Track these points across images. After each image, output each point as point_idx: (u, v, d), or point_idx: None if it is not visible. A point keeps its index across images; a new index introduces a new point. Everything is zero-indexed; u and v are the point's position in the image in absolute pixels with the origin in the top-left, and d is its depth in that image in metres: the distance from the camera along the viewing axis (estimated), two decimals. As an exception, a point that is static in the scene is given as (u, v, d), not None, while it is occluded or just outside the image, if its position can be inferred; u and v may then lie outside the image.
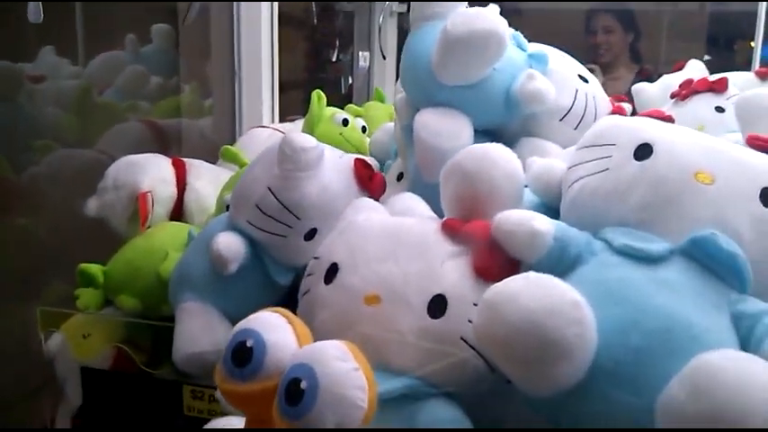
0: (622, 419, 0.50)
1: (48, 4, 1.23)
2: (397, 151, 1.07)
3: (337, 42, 2.36)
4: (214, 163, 1.28)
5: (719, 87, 1.17)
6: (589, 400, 0.51)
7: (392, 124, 1.29)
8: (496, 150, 0.63)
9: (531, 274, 0.51)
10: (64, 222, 1.25)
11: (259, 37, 1.49)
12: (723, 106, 1.14)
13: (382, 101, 1.65)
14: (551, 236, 0.57)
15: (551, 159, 0.71)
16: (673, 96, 1.22)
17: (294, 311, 0.89)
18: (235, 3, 1.47)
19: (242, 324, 0.50)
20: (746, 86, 1.21)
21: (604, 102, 0.97)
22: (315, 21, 2.14)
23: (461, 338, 0.57)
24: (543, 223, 0.57)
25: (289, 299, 0.91)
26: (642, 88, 1.43)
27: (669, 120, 0.76)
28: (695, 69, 1.51)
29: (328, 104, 1.31)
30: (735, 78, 1.21)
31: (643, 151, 0.60)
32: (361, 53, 2.47)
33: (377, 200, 0.90)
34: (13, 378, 1.12)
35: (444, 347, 0.56)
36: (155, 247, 0.94)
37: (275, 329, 0.50)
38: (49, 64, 1.48)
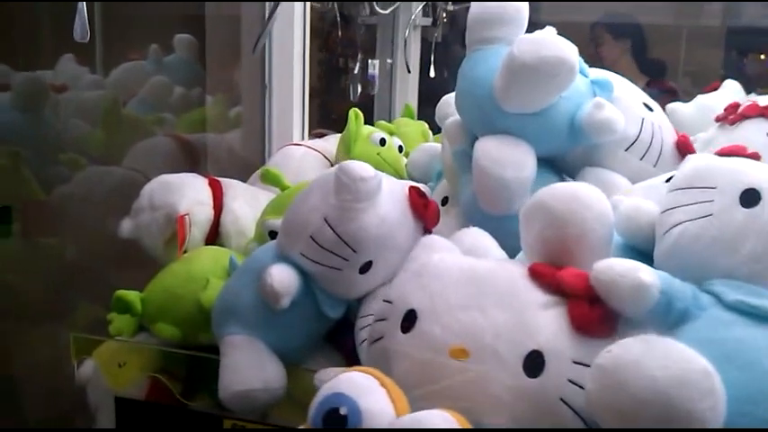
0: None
1: (62, 9, 1.19)
2: (445, 176, 1.03)
3: (346, 51, 2.33)
4: (243, 179, 1.24)
5: (771, 113, 1.14)
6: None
7: (430, 145, 1.26)
8: (587, 191, 0.58)
9: (652, 337, 0.47)
10: (94, 243, 1.20)
11: (291, 45, 1.45)
12: (776, 133, 1.10)
13: (412, 117, 1.61)
14: (657, 288, 0.53)
15: (640, 199, 0.67)
16: (718, 120, 1.18)
17: (342, 344, 0.87)
18: (266, 10, 1.42)
19: (332, 386, 0.46)
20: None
21: (669, 131, 0.93)
22: (339, 32, 2.10)
23: (561, 399, 0.52)
24: (649, 275, 0.53)
25: (336, 331, 0.87)
26: (676, 108, 1.40)
27: (756, 157, 0.72)
28: (732, 91, 1.48)
29: (338, 113, 1.28)
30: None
31: (749, 197, 0.56)
32: (370, 61, 2.44)
33: (431, 230, 0.87)
34: (42, 401, 1.08)
35: (542, 409, 0.52)
36: (194, 274, 0.90)
37: (369, 394, 0.45)
38: (68, 72, 1.44)
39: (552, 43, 0.76)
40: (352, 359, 0.85)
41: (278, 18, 1.38)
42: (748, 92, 1.48)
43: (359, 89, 2.43)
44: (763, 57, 3.05)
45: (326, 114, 2.52)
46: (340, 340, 0.88)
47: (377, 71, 2.34)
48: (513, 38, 0.83)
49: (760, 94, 1.65)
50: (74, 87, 1.43)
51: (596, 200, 0.58)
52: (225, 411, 0.83)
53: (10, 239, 1.15)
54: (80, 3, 0.86)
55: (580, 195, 0.58)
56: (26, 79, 1.25)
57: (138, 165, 1.33)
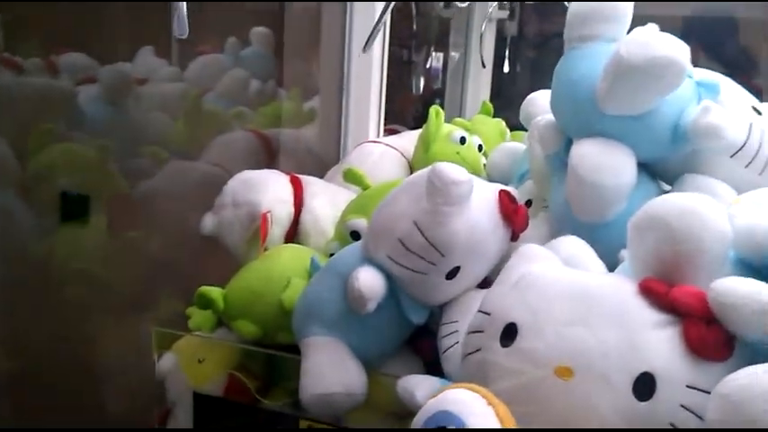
0: None
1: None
2: (533, 178, 0.99)
3: (416, 44, 2.30)
4: (318, 175, 1.23)
5: None
6: None
7: (511, 145, 1.22)
8: (707, 207, 0.54)
9: (784, 367, 0.43)
10: (177, 237, 1.22)
11: (372, 42, 1.43)
12: None
13: (489, 114, 1.57)
14: (783, 313, 0.49)
15: (759, 214, 0.62)
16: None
17: (422, 349, 0.86)
18: (348, 7, 1.41)
19: (438, 403, 0.44)
20: None
21: (779, 138, 0.87)
22: (414, 26, 2.07)
23: (671, 424, 0.49)
24: (774, 298, 0.49)
25: (416, 336, 0.85)
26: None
27: None
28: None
29: (402, 106, 1.25)
30: None
31: None
32: (434, 53, 2.40)
33: (518, 236, 0.84)
34: (122, 394, 1.10)
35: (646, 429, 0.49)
36: (275, 273, 0.89)
37: (478, 414, 0.43)
38: (148, 65, 1.45)
39: (662, 43, 0.72)
40: (431, 365, 0.83)
41: (359, 14, 1.36)
42: None
43: (422, 82, 2.40)
44: None
45: (390, 107, 2.50)
46: (418, 345, 0.87)
47: (440, 64, 2.31)
48: (614, 35, 0.79)
49: None
50: (153, 80, 1.45)
51: (716, 216, 0.54)
52: (301, 411, 0.83)
53: (93, 233, 1.17)
54: (181, 3, 0.87)
55: (699, 211, 0.54)
56: (112, 72, 1.27)
57: (218, 159, 1.34)
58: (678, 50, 0.72)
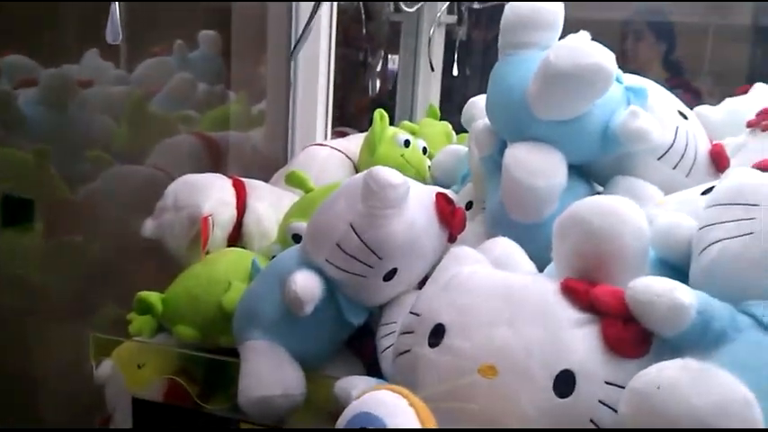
0: None
1: (87, 3, 1.18)
2: (472, 180, 1.01)
3: (367, 47, 2.32)
4: (265, 178, 1.23)
5: (806, 119, 1.10)
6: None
7: (455, 147, 1.24)
8: (625, 207, 0.56)
9: (690, 361, 0.45)
10: (118, 242, 1.20)
11: (318, 44, 1.43)
12: (811, 139, 1.07)
13: (436, 117, 1.59)
14: (695, 309, 0.51)
15: (676, 213, 0.65)
16: (750, 125, 1.15)
17: (362, 350, 0.86)
18: (293, 7, 1.41)
19: (360, 405, 0.45)
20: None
21: (703, 140, 0.90)
22: (364, 30, 2.08)
23: (590, 420, 0.51)
24: (687, 295, 0.51)
25: (356, 337, 0.86)
26: (705, 113, 1.36)
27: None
28: (763, 94, 1.45)
29: (357, 108, 1.26)
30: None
31: (794, 215, 0.54)
32: (390, 56, 2.42)
33: (455, 237, 0.85)
34: (61, 400, 1.08)
35: (572, 430, 0.50)
36: (217, 276, 0.89)
37: (398, 414, 0.44)
38: (94, 67, 1.43)
39: (590, 50, 0.74)
40: (372, 365, 0.84)
41: (305, 16, 1.37)
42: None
43: (378, 84, 2.42)
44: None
45: (344, 110, 2.51)
46: (359, 345, 0.87)
47: (396, 66, 2.33)
48: (547, 43, 0.81)
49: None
50: (99, 83, 1.43)
51: (635, 215, 0.56)
52: (241, 415, 0.83)
53: (34, 237, 1.15)
54: (113, 4, 0.86)
55: (618, 210, 0.56)
56: (52, 74, 1.25)
57: (163, 163, 1.33)
58: (605, 57, 0.74)
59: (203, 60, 1.67)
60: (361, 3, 2.05)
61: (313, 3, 1.02)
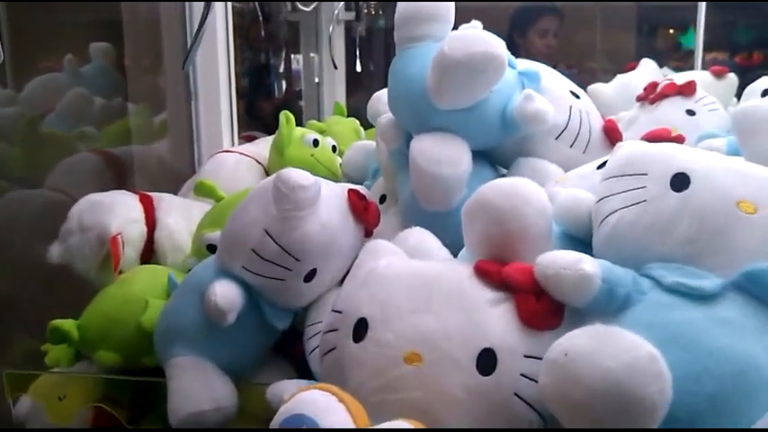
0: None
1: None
2: (382, 174, 1.03)
3: (269, 48, 2.30)
4: (174, 189, 1.20)
5: (688, 91, 1.18)
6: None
7: (364, 143, 1.25)
8: (526, 186, 0.59)
9: (599, 326, 0.48)
10: (22, 271, 1.15)
11: (215, 47, 1.41)
12: (693, 109, 1.15)
13: (343, 114, 1.60)
14: (599, 278, 0.54)
15: (576, 189, 0.68)
16: (639, 99, 1.22)
17: (291, 353, 0.86)
18: (186, 11, 1.38)
19: (291, 407, 0.45)
20: (704, 85, 1.23)
21: (596, 117, 0.95)
22: (262, 31, 2.06)
23: (515, 394, 0.53)
24: (591, 265, 0.54)
25: (284, 340, 0.86)
26: (598, 89, 1.44)
27: (680, 140, 0.75)
28: (649, 69, 1.53)
29: (264, 112, 1.26)
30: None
31: (680, 181, 0.58)
32: (293, 56, 2.41)
33: (371, 232, 0.86)
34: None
35: (498, 405, 0.53)
36: (132, 296, 0.87)
37: (329, 412, 0.45)
38: (-24, 90, 1.36)
39: (481, 39, 0.77)
40: (302, 367, 0.84)
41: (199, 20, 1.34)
42: (660, 66, 1.55)
43: (284, 86, 2.40)
44: (672, 31, 3.18)
45: (252, 114, 2.48)
46: (288, 349, 0.87)
47: (301, 66, 2.32)
48: (441, 34, 0.83)
49: (673, 68, 1.72)
50: (-14, 105, 1.36)
51: (536, 194, 0.59)
52: (175, 434, 0.81)
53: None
54: None
55: (520, 191, 0.59)
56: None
57: (63, 184, 1.28)
58: (496, 45, 0.77)
59: (97, 74, 1.61)
60: (257, 4, 2.03)
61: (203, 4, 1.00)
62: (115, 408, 0.86)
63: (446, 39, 0.78)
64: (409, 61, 0.85)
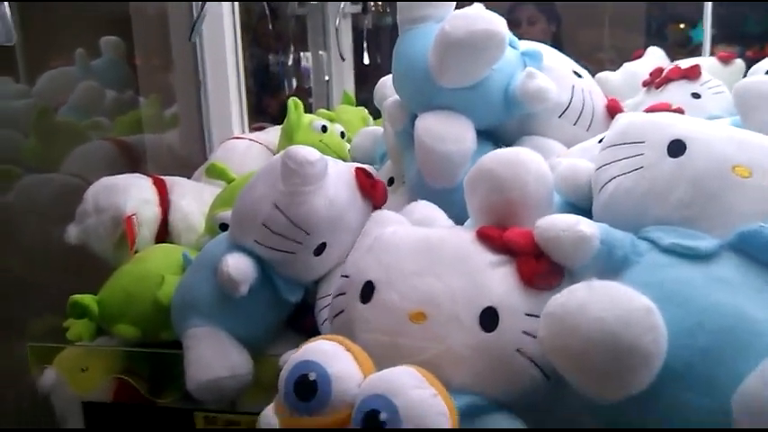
0: (695, 421, 0.49)
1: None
2: (389, 156, 1.05)
3: (277, 45, 2.32)
4: (187, 177, 1.23)
5: (693, 74, 1.19)
6: (659, 404, 0.50)
7: (372, 128, 1.27)
8: (526, 155, 0.61)
9: (595, 281, 0.50)
10: (42, 252, 1.18)
11: (223, 40, 1.44)
12: (699, 92, 1.16)
13: (351, 104, 1.62)
14: (597, 239, 0.56)
15: (576, 159, 0.71)
16: (645, 85, 1.23)
17: (304, 326, 0.89)
18: (194, 5, 1.40)
19: (299, 355, 0.48)
20: (711, 71, 1.24)
21: (599, 96, 0.97)
22: (270, 26, 2.08)
23: (517, 350, 0.55)
24: (589, 227, 0.56)
25: (296, 314, 0.88)
26: (606, 77, 1.45)
27: (680, 113, 0.77)
28: (656, 56, 1.55)
29: (274, 109, 1.28)
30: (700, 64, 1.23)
31: (676, 147, 0.60)
32: (302, 54, 2.43)
33: (379, 208, 0.89)
34: (6, 416, 1.05)
35: (501, 361, 0.55)
36: (149, 272, 0.90)
37: (336, 359, 0.47)
38: (-10, 84, 1.39)
39: (482, 17, 0.79)
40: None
41: (207, 14, 1.36)
42: (671, 60, 1.55)
43: (294, 82, 2.42)
44: (682, 26, 3.18)
45: (262, 111, 2.51)
46: (301, 323, 0.90)
47: (310, 63, 2.34)
48: (443, 15, 0.86)
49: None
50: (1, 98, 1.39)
51: (535, 162, 0.61)
52: (194, 404, 0.84)
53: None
54: (3, 5, 0.84)
55: (520, 159, 0.61)
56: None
57: (78, 170, 1.31)
58: (497, 23, 0.79)
59: (108, 67, 1.64)
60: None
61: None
62: (136, 379, 0.89)
63: (447, 18, 0.80)
64: (412, 42, 0.87)
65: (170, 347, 0.87)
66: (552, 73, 0.90)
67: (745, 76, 1.31)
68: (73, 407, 0.89)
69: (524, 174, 0.60)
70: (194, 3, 1.46)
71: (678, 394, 0.50)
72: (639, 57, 1.53)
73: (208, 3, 1.05)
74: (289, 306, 0.85)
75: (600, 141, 0.80)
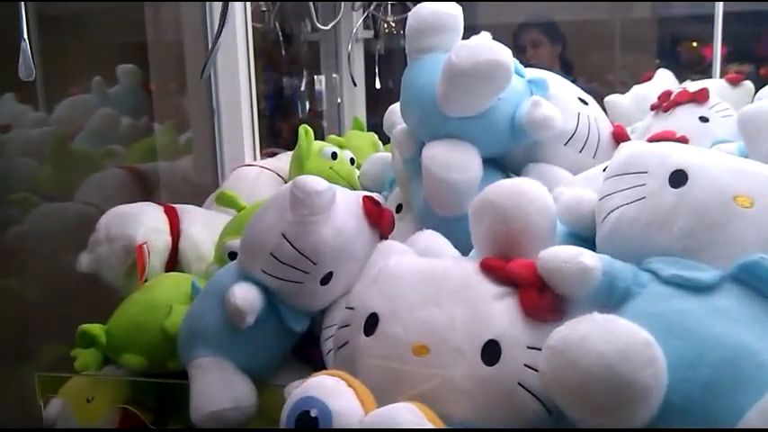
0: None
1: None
2: (398, 183, 1.05)
3: (291, 69, 2.35)
4: (198, 204, 1.24)
5: (701, 98, 1.19)
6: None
7: (381, 155, 1.28)
8: (529, 186, 0.62)
9: (596, 315, 0.50)
10: (53, 280, 1.19)
11: (237, 67, 1.46)
12: (707, 116, 1.15)
13: (361, 129, 1.63)
14: (600, 271, 0.56)
15: (580, 189, 0.71)
16: (653, 108, 1.23)
17: (309, 357, 0.89)
18: (208, 32, 1.43)
19: (301, 391, 0.48)
20: (720, 93, 1.23)
21: (605, 123, 0.97)
22: (283, 51, 2.11)
23: (519, 384, 0.55)
24: (591, 259, 0.56)
25: (301, 344, 0.88)
26: (615, 100, 1.45)
27: (684, 141, 0.77)
28: (665, 79, 1.54)
29: (287, 132, 1.29)
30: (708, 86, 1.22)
31: (678, 177, 0.60)
32: (316, 77, 2.46)
33: (387, 237, 0.89)
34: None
35: (502, 394, 0.55)
36: (157, 302, 0.90)
37: (338, 395, 0.47)
38: (11, 112, 1.42)
39: (487, 48, 0.80)
40: (320, 371, 0.86)
41: (221, 41, 1.38)
42: (683, 80, 1.55)
43: (307, 106, 2.45)
44: (695, 44, 3.18)
45: (275, 135, 2.53)
46: (307, 354, 0.90)
47: (323, 87, 2.37)
48: (450, 45, 0.87)
49: (694, 80, 1.73)
50: (17, 126, 1.42)
51: (538, 193, 0.62)
52: (198, 435, 0.84)
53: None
54: (23, 42, 0.86)
55: (523, 190, 0.61)
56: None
57: (91, 199, 1.33)
58: (502, 53, 0.80)
59: (124, 95, 1.67)
60: (277, 25, 2.08)
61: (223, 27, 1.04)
62: (141, 410, 0.89)
63: (454, 48, 0.81)
64: (419, 71, 0.88)
65: (177, 377, 0.88)
66: (558, 101, 0.90)
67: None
68: (77, 438, 0.89)
69: (527, 205, 0.61)
70: (209, 27, 1.49)
71: (678, 428, 0.49)
72: (649, 79, 1.53)
73: (222, 35, 1.06)
74: (294, 336, 0.85)
75: (605, 170, 0.81)
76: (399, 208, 1.05)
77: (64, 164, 1.38)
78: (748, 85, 1.35)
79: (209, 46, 1.44)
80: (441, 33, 0.87)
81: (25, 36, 0.86)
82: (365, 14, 2.15)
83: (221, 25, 1.02)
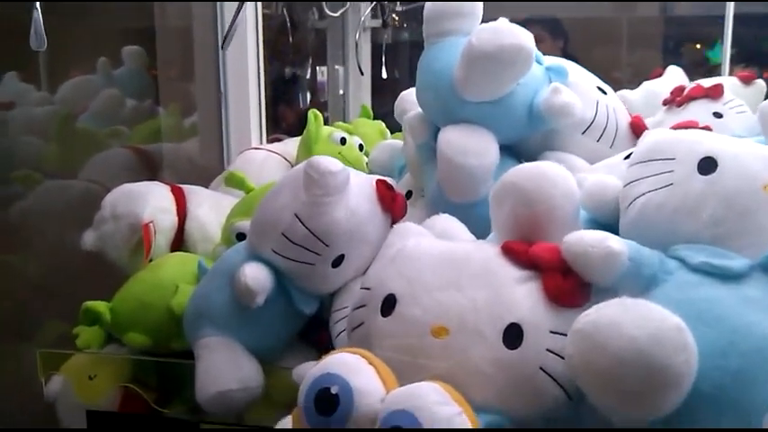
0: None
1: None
2: (409, 169, 1.04)
3: (295, 58, 2.33)
4: (203, 186, 1.22)
5: (715, 94, 1.18)
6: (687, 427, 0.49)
7: (390, 142, 1.27)
8: (553, 169, 0.60)
9: (626, 299, 0.49)
10: (57, 257, 1.18)
11: (245, 51, 1.44)
12: (721, 112, 1.14)
13: (369, 117, 1.61)
14: (626, 256, 0.55)
15: (604, 175, 0.69)
16: (665, 103, 1.22)
17: (316, 340, 0.88)
18: (218, 15, 1.41)
19: (321, 368, 0.47)
20: (732, 91, 1.22)
21: (623, 113, 0.96)
22: (290, 38, 2.09)
23: (540, 368, 0.54)
24: (618, 243, 0.55)
25: (309, 327, 0.87)
26: (625, 96, 1.44)
27: (708, 130, 0.75)
28: (676, 76, 1.53)
29: (288, 122, 1.28)
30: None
31: (707, 165, 0.59)
32: (318, 68, 2.44)
33: (399, 221, 0.88)
34: (11, 420, 1.05)
35: (523, 379, 0.53)
36: (163, 281, 0.89)
37: (359, 373, 0.46)
38: (14, 90, 1.40)
39: (510, 31, 0.78)
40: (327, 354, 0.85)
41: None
42: (690, 80, 1.54)
43: (308, 96, 2.43)
44: (698, 46, 3.17)
45: (277, 123, 2.51)
46: (314, 337, 0.89)
47: (326, 77, 2.35)
48: (469, 29, 0.85)
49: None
50: (21, 105, 1.40)
51: (562, 177, 0.60)
52: (201, 416, 0.83)
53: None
54: (35, 11, 0.84)
55: (547, 173, 0.60)
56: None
57: (96, 177, 1.31)
58: (524, 38, 0.78)
59: (129, 76, 1.65)
60: (285, 12, 2.06)
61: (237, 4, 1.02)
62: (143, 389, 0.88)
63: (475, 31, 0.80)
64: (437, 55, 0.86)
65: (180, 357, 0.86)
66: (577, 89, 0.89)
67: (766, 97, 1.30)
68: (77, 415, 0.88)
69: (551, 188, 0.59)
70: (218, 10, 1.47)
71: (707, 417, 0.48)
72: (658, 75, 1.52)
73: (243, 15, 1.05)
74: (303, 318, 0.84)
75: (626, 158, 0.79)
76: (409, 194, 1.04)
77: (69, 142, 1.36)
78: (760, 83, 1.34)
79: (218, 29, 1.43)
80: (460, 17, 0.85)
81: (38, 5, 0.84)
82: (373, 3, 2.13)
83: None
